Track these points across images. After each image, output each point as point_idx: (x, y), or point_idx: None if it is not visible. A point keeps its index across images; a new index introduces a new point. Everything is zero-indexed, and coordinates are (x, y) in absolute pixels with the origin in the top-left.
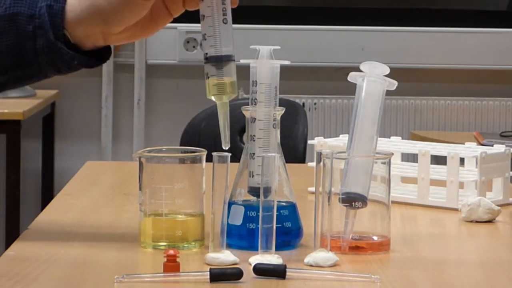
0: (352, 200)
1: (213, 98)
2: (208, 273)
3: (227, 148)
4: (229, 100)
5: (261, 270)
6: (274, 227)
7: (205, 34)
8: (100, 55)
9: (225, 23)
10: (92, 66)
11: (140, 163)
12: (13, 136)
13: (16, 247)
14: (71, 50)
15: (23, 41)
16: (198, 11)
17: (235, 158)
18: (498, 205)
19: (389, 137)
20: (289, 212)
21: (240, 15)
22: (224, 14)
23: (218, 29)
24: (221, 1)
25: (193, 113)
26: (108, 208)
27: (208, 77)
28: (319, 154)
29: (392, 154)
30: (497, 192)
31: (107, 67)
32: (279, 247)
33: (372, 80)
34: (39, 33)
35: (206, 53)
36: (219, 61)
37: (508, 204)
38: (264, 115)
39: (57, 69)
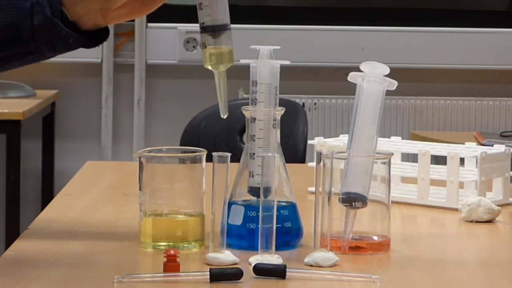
0: (352, 200)
1: (210, 67)
2: (208, 273)
3: (225, 117)
4: (226, 69)
5: (261, 270)
6: (274, 227)
7: (201, 3)
8: (99, 37)
9: None
10: (89, 46)
11: (140, 163)
12: (13, 136)
13: (16, 247)
14: (69, 28)
15: (21, 18)
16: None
17: (235, 158)
18: (498, 205)
19: (389, 137)
20: (289, 212)
21: (240, 15)
22: None
23: None
24: None
25: (193, 113)
26: (108, 208)
27: (205, 47)
28: (319, 154)
29: (392, 154)
30: (497, 192)
31: (107, 67)
32: (279, 247)
33: (372, 80)
34: (36, 10)
35: (203, 23)
36: (216, 30)
37: (508, 204)
38: (264, 115)
39: (53, 47)
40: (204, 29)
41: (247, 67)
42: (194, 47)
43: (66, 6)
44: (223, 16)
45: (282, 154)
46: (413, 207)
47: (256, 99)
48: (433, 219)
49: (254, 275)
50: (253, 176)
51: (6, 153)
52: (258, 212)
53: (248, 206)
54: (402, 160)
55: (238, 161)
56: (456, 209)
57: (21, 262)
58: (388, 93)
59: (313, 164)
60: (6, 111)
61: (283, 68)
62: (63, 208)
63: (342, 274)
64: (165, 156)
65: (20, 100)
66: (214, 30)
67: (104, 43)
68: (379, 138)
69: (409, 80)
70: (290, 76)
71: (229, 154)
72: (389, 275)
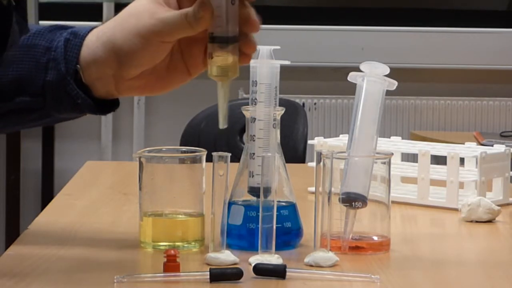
0: (352, 200)
1: (214, 78)
2: (208, 273)
3: (224, 127)
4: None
5: (261, 270)
6: (274, 227)
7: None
8: (108, 107)
9: (233, 4)
10: (96, 112)
11: (140, 163)
12: (13, 136)
13: (16, 248)
14: (81, 90)
15: (35, 72)
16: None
17: (235, 158)
18: (498, 205)
19: (389, 137)
20: (289, 212)
21: None
22: None
23: (226, 9)
24: None
25: (193, 113)
26: (108, 208)
27: (212, 57)
28: (319, 154)
29: (392, 154)
30: (497, 192)
31: None
32: (279, 247)
33: (372, 80)
34: (51, 66)
35: (212, 33)
36: (225, 42)
37: (508, 204)
38: (264, 115)
39: (61, 105)
40: (212, 39)
41: (247, 67)
42: None
43: (81, 67)
44: (233, 28)
45: (282, 154)
46: (413, 207)
47: (256, 99)
48: (433, 219)
49: (254, 275)
50: (253, 176)
51: (6, 153)
52: (258, 212)
53: (248, 206)
54: (402, 160)
55: (238, 161)
56: (456, 209)
57: (21, 262)
58: (388, 93)
59: (313, 164)
60: None
61: (283, 68)
62: (63, 208)
63: (342, 274)
64: (165, 156)
65: None
66: (222, 41)
67: None
68: (379, 138)
69: (409, 80)
70: (290, 76)
71: (229, 154)
72: (389, 275)
